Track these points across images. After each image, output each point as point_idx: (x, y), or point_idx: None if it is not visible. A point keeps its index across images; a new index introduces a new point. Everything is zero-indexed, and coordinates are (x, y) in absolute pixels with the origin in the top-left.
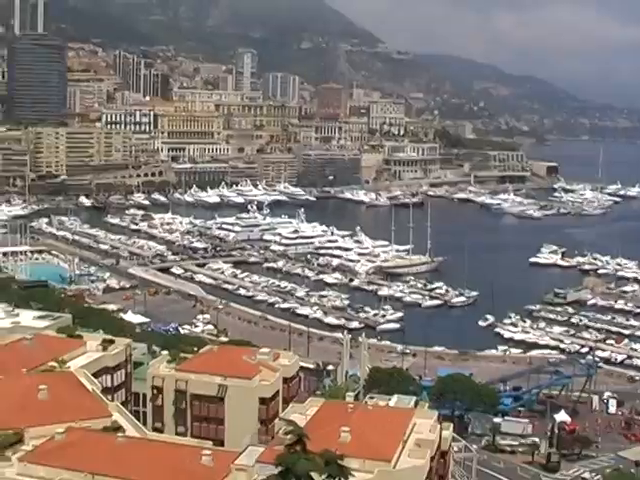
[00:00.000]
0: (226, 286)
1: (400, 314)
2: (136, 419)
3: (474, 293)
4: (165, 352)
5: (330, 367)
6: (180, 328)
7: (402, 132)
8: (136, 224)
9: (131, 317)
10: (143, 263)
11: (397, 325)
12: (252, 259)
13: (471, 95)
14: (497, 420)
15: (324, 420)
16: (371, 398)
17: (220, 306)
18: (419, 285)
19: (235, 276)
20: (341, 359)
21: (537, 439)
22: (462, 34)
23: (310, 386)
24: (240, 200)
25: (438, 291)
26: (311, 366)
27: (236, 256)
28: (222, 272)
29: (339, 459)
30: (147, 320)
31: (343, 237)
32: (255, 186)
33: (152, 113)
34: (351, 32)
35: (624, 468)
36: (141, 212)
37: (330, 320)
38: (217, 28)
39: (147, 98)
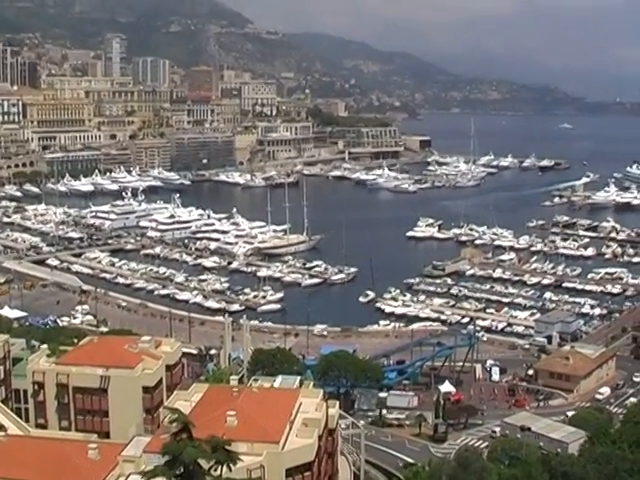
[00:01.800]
0: (104, 275)
1: (280, 294)
2: (18, 416)
3: (353, 270)
4: (44, 346)
5: (213, 351)
6: (59, 320)
7: (274, 112)
8: (8, 217)
9: (7, 312)
10: (17, 256)
11: (278, 306)
12: (129, 246)
13: (342, 73)
14: (383, 395)
15: (209, 405)
16: (255, 380)
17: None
18: (298, 264)
19: (112, 265)
20: (223, 343)
21: (423, 411)
22: (331, 11)
23: (194, 372)
24: (114, 187)
25: (317, 269)
26: (194, 351)
27: (113, 244)
28: (99, 261)
29: (226, 444)
30: (24, 314)
31: (220, 220)
32: (129, 172)
33: (20, 102)
34: (220, 14)
35: (510, 434)
36: (13, 204)
37: (210, 304)
38: (84, 14)
39: (15, 87)
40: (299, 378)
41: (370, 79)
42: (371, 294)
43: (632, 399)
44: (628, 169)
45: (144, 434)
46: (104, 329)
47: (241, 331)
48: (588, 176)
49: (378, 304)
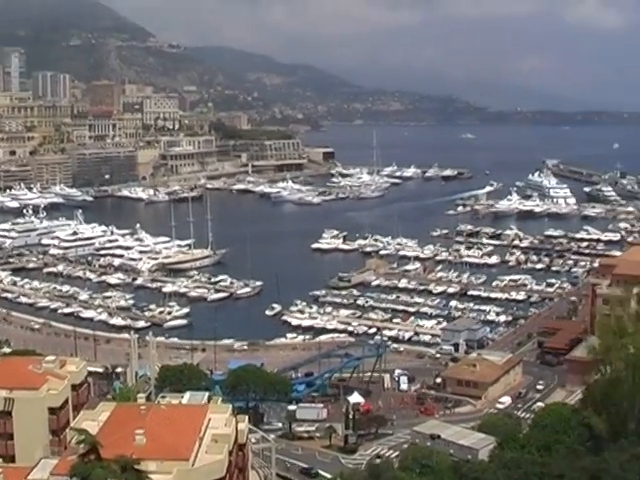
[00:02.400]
0: (5, 295)
1: (186, 310)
2: None
3: (259, 283)
4: None
5: (119, 369)
6: None
7: (177, 126)
8: None
9: None
10: None
11: (184, 321)
12: (31, 265)
13: (245, 86)
14: (292, 407)
15: (117, 425)
16: (163, 397)
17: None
18: (203, 279)
19: (14, 284)
20: (130, 360)
21: (333, 423)
22: (233, 25)
23: (100, 391)
24: (15, 205)
25: (223, 284)
26: (100, 370)
27: (14, 263)
28: (0, 281)
29: (135, 463)
30: None
31: (123, 236)
32: (30, 189)
33: None
34: (121, 27)
35: (420, 442)
36: None
37: (116, 321)
38: None
39: None
40: (207, 394)
41: (273, 92)
42: (277, 307)
43: (539, 404)
44: (530, 177)
45: (51, 456)
46: (7, 350)
47: (147, 348)
48: (492, 185)
49: (285, 317)
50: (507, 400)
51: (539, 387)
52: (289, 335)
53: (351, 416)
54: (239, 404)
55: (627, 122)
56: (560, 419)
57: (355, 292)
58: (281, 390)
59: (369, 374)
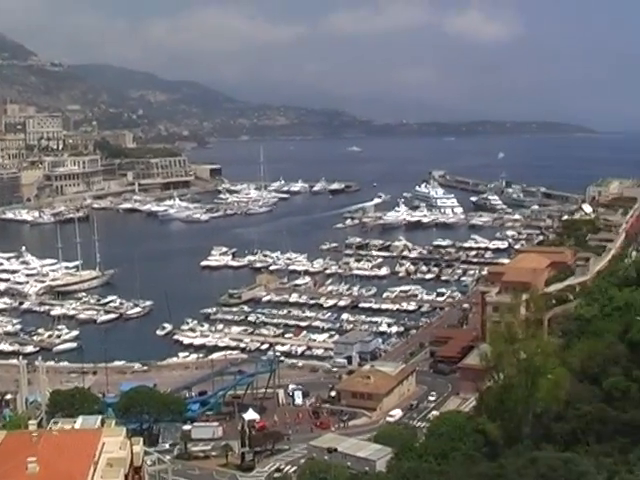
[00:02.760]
0: None
1: (76, 332)
2: None
3: (149, 303)
4: None
5: (8, 396)
6: None
7: (61, 146)
8: None
9: None
10: None
11: (74, 344)
12: None
13: (129, 103)
14: (187, 427)
15: (8, 453)
16: (55, 423)
17: None
18: (92, 301)
19: None
20: (19, 387)
21: (229, 441)
22: (115, 42)
23: None
24: None
25: (112, 305)
26: None
27: None
28: None
29: None
30: None
31: (8, 259)
32: None
33: None
34: (1, 45)
35: (317, 456)
36: None
37: (3, 347)
38: None
39: None
40: (100, 417)
41: (158, 109)
42: (168, 326)
43: (434, 412)
44: (417, 188)
45: None
46: None
47: (37, 373)
48: (379, 197)
49: (176, 336)
50: (398, 413)
51: (431, 398)
52: (181, 354)
53: (247, 433)
54: (133, 426)
55: (510, 131)
56: (455, 427)
57: (246, 308)
58: (175, 410)
59: (263, 390)
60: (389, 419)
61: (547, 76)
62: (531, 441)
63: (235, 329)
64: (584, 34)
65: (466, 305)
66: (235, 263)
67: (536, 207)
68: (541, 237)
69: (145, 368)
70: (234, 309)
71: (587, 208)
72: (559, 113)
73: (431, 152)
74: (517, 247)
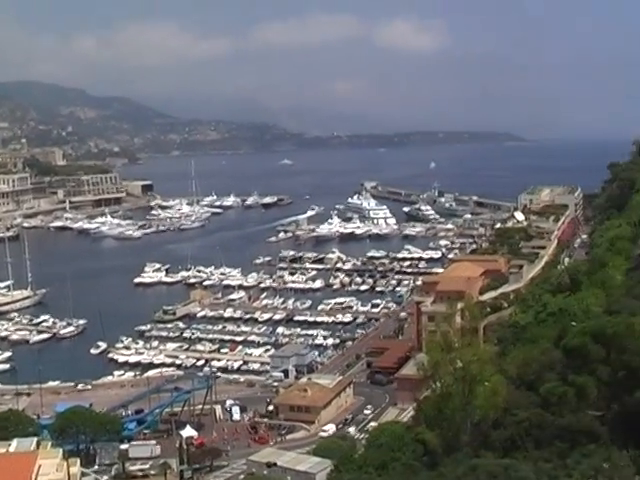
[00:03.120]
0: None
1: (8, 353)
2: None
3: (82, 322)
4: None
5: None
6: None
7: None
8: None
9: None
10: None
11: (6, 365)
12: None
13: (58, 120)
14: (124, 446)
15: None
16: None
17: None
18: (24, 321)
19: None
20: None
21: (167, 459)
22: (43, 58)
23: None
24: None
25: (45, 324)
26: None
27: None
28: None
29: None
30: None
31: None
32: None
33: None
34: None
35: (257, 471)
36: None
37: None
38: None
39: None
40: (36, 439)
41: (88, 126)
42: (103, 345)
43: (372, 423)
44: (349, 200)
45: None
46: None
47: None
48: (312, 209)
49: (111, 354)
50: (331, 427)
51: (366, 411)
52: (116, 373)
53: (185, 450)
54: (69, 447)
55: (442, 141)
56: (394, 437)
57: (181, 324)
58: (112, 429)
59: (200, 406)
60: (322, 434)
61: (477, 86)
62: (470, 449)
63: (170, 346)
64: (513, 44)
65: (404, 314)
66: (169, 279)
67: (469, 216)
68: (474, 246)
69: (80, 387)
70: (169, 325)
71: (519, 216)
72: (490, 122)
73: (363, 163)
74: (451, 256)
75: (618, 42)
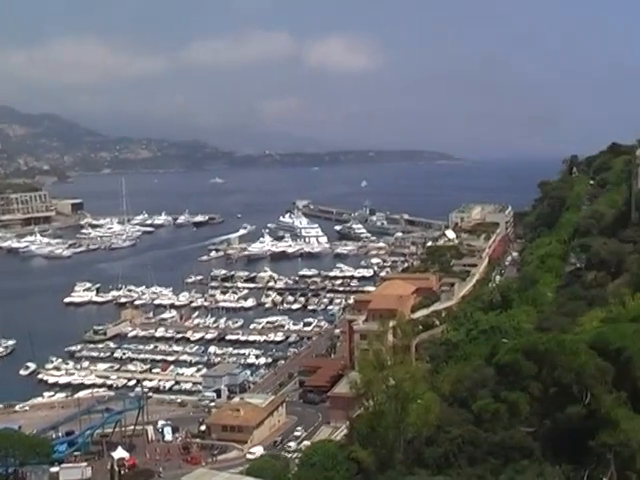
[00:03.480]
0: None
1: None
2: None
3: (11, 342)
4: None
5: None
6: None
7: None
8: None
9: None
10: None
11: None
12: None
13: None
14: (54, 469)
15: None
16: None
17: None
18: None
19: None
20: None
21: None
22: None
23: None
24: None
25: None
26: None
27: None
28: None
29: None
30: None
31: None
32: None
33: None
34: None
35: None
36: None
37: None
38: None
39: None
40: None
41: (17, 143)
42: (32, 366)
43: (306, 442)
44: (281, 218)
45: None
46: None
47: None
48: (245, 228)
49: (40, 375)
50: (259, 450)
51: (297, 433)
52: (46, 394)
53: (117, 472)
54: None
55: (373, 160)
56: (327, 456)
57: (112, 344)
58: (42, 452)
59: (132, 427)
60: (249, 456)
61: (408, 105)
62: (404, 466)
63: (101, 366)
64: (443, 64)
65: (338, 330)
66: (99, 299)
67: (400, 234)
68: (406, 264)
69: (9, 409)
70: (99, 346)
71: (450, 234)
72: (421, 141)
73: (295, 182)
74: (382, 274)
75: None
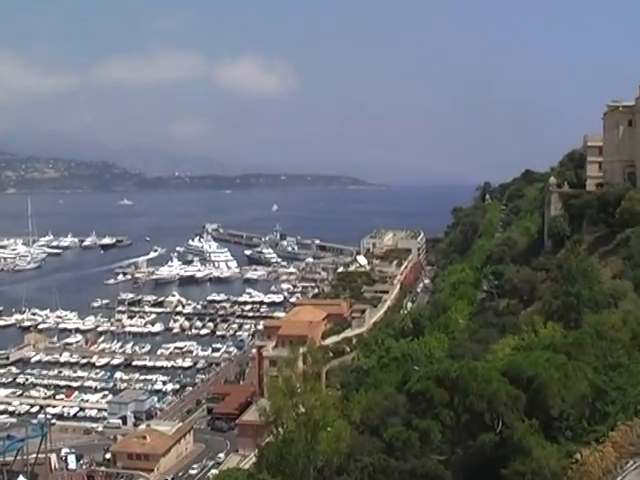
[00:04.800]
0: None
1: None
2: None
3: None
4: None
5: None
6: None
7: None
8: None
9: None
10: None
11: None
12: None
13: None
14: None
15: None
16: None
17: None
18: None
19: None
20: None
21: None
22: None
23: None
24: None
25: None
26: None
27: None
28: None
29: None
30: None
31: None
32: None
33: None
34: None
35: None
36: None
37: None
38: None
39: None
40: None
41: None
42: None
43: (213, 471)
44: (190, 242)
45: None
46: None
47: None
48: (156, 250)
49: None
50: None
51: (193, 470)
52: None
53: None
54: None
55: (284, 184)
56: None
57: (14, 369)
58: None
59: (34, 455)
60: None
61: (322, 129)
62: None
63: (2, 392)
64: (357, 86)
65: (251, 354)
66: (1, 322)
67: (311, 260)
68: (316, 290)
69: None
70: (1, 370)
71: (362, 260)
72: (333, 165)
73: (205, 205)
74: (293, 300)
75: (459, 90)
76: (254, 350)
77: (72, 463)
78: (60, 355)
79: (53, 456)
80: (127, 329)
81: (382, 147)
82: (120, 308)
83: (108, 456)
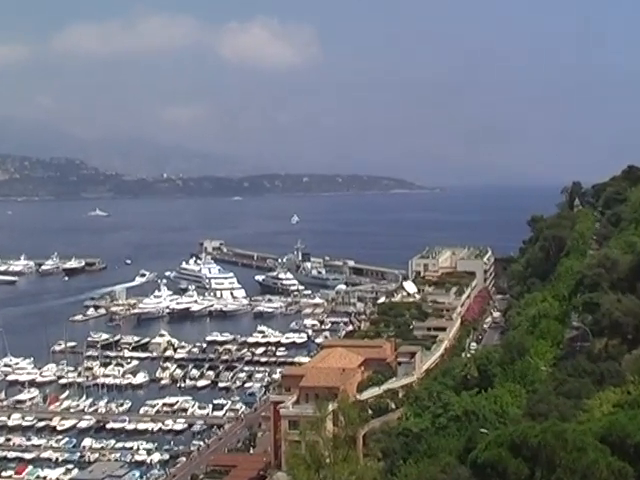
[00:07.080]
0: None
1: None
2: None
3: None
4: None
5: None
6: None
7: None
8: None
9: None
10: None
11: None
12: None
13: None
14: None
15: None
16: None
17: None
18: None
19: None
20: None
21: None
22: None
23: None
24: None
25: None
26: None
27: None
28: None
29: None
30: None
31: None
32: None
33: None
34: None
35: None
36: None
37: None
38: None
39: None
40: None
41: None
42: None
43: None
44: (184, 265)
45: None
46: None
47: None
48: (143, 275)
49: None
50: None
51: None
52: None
53: None
54: None
55: (307, 188)
56: None
57: None
58: None
59: None
60: None
61: (354, 115)
62: None
63: None
64: (398, 66)
65: (264, 412)
66: None
67: (343, 287)
68: (351, 327)
69: None
70: None
71: (410, 287)
72: (371, 164)
73: (203, 216)
74: (319, 341)
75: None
76: (269, 407)
77: None
78: (9, 417)
79: None
80: (100, 381)
81: (433, 138)
82: (90, 353)
83: None
